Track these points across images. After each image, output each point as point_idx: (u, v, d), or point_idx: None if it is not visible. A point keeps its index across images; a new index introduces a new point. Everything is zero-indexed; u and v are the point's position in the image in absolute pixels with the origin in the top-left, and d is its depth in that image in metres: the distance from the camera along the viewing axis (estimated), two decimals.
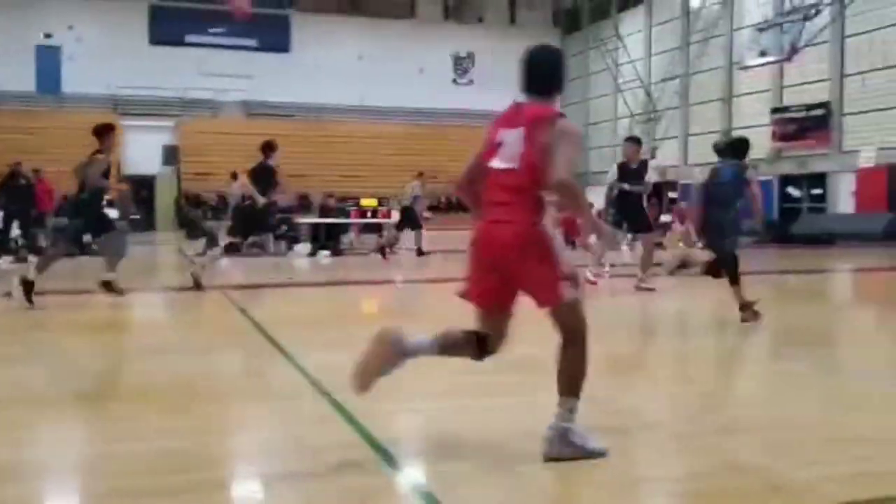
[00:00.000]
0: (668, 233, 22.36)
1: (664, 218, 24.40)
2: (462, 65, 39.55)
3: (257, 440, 3.65)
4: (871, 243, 21.10)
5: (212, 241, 14.53)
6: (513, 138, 3.24)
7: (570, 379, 3.18)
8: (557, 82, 3.45)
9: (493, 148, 3.31)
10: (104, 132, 8.36)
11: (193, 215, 26.05)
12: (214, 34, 35.30)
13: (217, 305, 8.79)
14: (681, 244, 20.67)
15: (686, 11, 32.00)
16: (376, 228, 20.49)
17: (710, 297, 8.45)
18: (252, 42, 35.62)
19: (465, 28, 38.69)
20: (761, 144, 28.11)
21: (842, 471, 3.13)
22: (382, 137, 34.98)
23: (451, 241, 13.10)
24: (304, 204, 24.44)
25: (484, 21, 38.62)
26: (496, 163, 3.28)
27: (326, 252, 17.52)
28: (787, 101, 27.47)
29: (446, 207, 35.06)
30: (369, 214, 19.88)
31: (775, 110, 27.62)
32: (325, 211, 19.63)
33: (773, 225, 24.39)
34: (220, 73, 34.24)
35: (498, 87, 37.94)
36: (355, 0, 36.44)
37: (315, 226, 18.61)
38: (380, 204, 20.51)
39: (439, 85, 37.94)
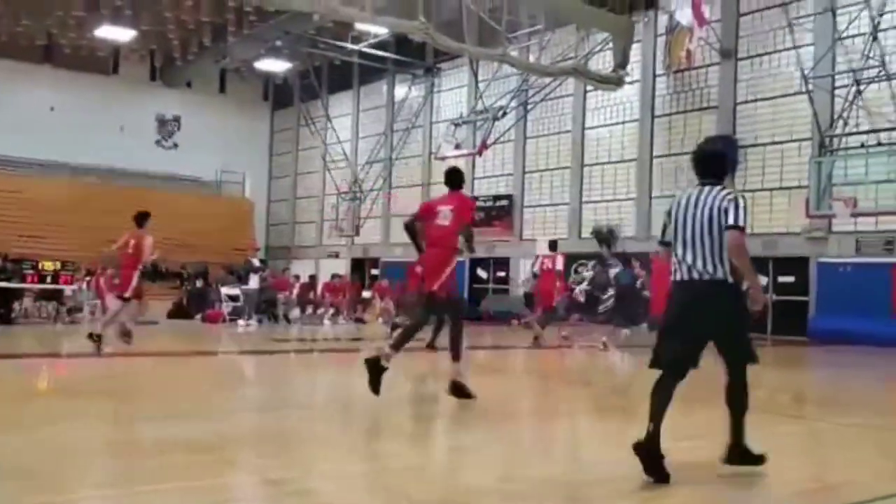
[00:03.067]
0: (368, 308, 23.10)
1: (366, 294, 25.22)
2: (167, 127, 38.25)
3: None
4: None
5: None
6: None
7: None
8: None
9: None
10: None
11: None
12: None
13: None
14: (380, 319, 21.42)
15: (391, 101, 33.88)
16: (57, 294, 18.81)
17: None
18: None
19: (173, 91, 37.57)
20: None
21: None
22: (72, 196, 32.39)
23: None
24: None
25: (192, 86, 37.81)
26: None
27: None
28: (477, 191, 29.89)
29: (140, 275, 33.15)
30: (49, 279, 18.12)
31: None
32: None
33: (464, 303, 26.12)
34: None
35: (203, 151, 37.28)
36: (50, 50, 33.89)
37: None
38: (63, 267, 18.86)
39: (141, 146, 36.27)
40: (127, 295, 11.22)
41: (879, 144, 17.90)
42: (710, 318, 4.56)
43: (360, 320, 21.71)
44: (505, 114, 26.04)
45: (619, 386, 10.31)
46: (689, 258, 4.60)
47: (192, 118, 37.72)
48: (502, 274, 28.74)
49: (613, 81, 21.05)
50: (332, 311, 21.70)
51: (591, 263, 18.63)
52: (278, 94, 40.04)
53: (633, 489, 4.36)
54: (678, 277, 4.67)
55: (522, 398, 9.01)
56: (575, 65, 21.47)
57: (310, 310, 22.35)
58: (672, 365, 4.61)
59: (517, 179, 28.40)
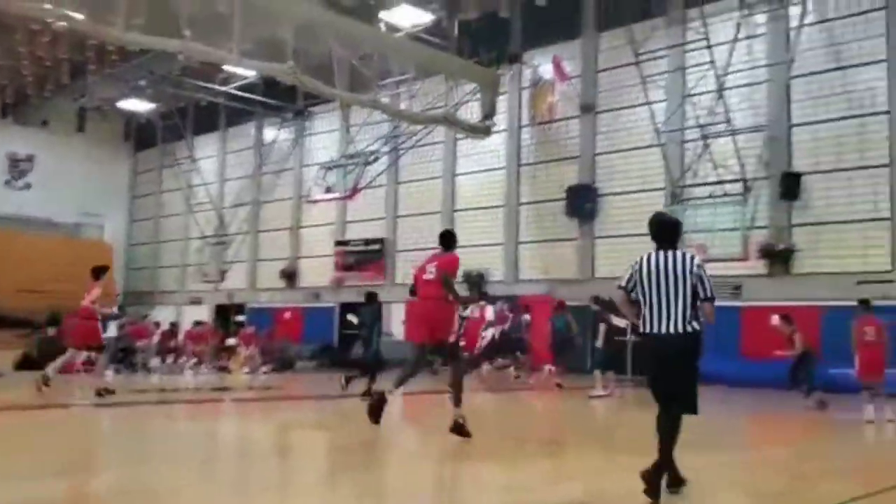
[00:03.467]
0: (232, 356, 22.43)
1: (230, 341, 24.52)
2: (19, 167, 36.21)
3: None
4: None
5: None
6: None
7: None
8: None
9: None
10: None
11: None
12: None
13: None
14: (244, 368, 20.83)
15: (259, 143, 33.46)
16: None
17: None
18: None
19: (26, 129, 35.64)
20: (325, 273, 30.03)
21: None
22: None
23: None
24: None
25: (49, 125, 36.03)
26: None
27: None
28: (349, 235, 29.82)
29: None
30: None
31: (339, 243, 29.78)
32: None
33: (333, 349, 25.84)
34: None
35: (59, 192, 35.43)
36: None
37: None
38: None
39: None
40: (102, 343, 11.37)
41: (725, 195, 19.17)
42: (680, 364, 5.40)
43: (223, 369, 21.04)
44: (376, 158, 26.25)
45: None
46: (664, 314, 5.35)
47: (47, 158, 35.87)
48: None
49: (481, 130, 21.64)
50: (194, 359, 20.93)
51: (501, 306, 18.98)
52: (141, 135, 38.77)
53: None
54: (652, 330, 5.41)
55: (381, 448, 8.97)
56: (444, 113, 21.94)
57: (171, 359, 21.49)
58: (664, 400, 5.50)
59: (389, 224, 28.55)
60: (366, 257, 28.84)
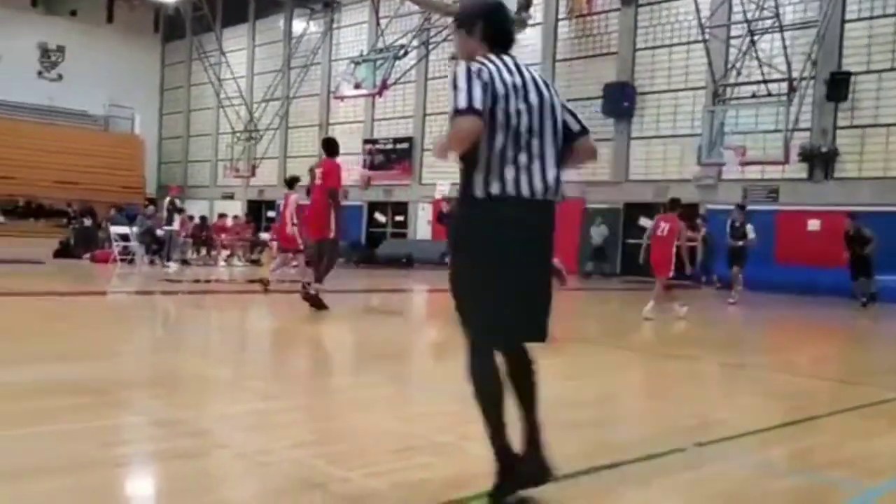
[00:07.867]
0: (265, 249, 22.63)
1: (264, 236, 24.68)
2: (50, 57, 35.98)
3: None
4: (444, 266, 23.54)
5: None
6: None
7: None
8: None
9: None
10: None
11: None
12: None
13: None
14: (276, 260, 20.96)
15: (288, 36, 32.77)
16: None
17: (302, 311, 8.72)
18: None
19: (56, 19, 35.25)
20: (354, 172, 29.82)
21: (408, 478, 3.35)
22: None
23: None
24: None
25: (78, 14, 35.54)
26: None
27: None
28: (377, 134, 29.45)
29: (24, 213, 31.37)
30: None
31: (367, 141, 29.44)
32: None
33: (360, 247, 25.93)
34: None
35: (89, 84, 35.26)
36: None
37: None
38: None
39: (21, 76, 34.03)
40: None
41: (769, 95, 18.48)
42: None
43: (255, 262, 21.24)
44: (406, 53, 25.57)
45: None
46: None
47: (77, 49, 35.61)
48: (400, 218, 28.55)
49: (516, 23, 20.92)
50: (226, 252, 21.08)
51: None
52: (169, 26, 38.18)
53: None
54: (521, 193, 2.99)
55: (404, 340, 9.00)
56: None
57: (203, 251, 21.68)
58: None
59: (417, 122, 28.11)
60: (393, 156, 28.55)
